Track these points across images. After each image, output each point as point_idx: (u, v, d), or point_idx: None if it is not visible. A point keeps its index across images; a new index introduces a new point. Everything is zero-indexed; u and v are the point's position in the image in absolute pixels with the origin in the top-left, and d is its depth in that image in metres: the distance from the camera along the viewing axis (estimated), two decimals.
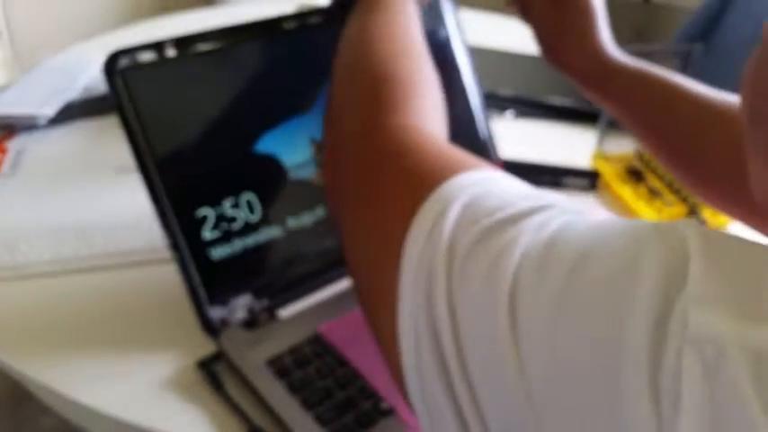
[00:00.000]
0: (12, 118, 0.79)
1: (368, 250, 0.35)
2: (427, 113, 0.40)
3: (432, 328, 0.28)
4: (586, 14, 0.56)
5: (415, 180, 0.33)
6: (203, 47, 0.53)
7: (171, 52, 0.51)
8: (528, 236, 0.27)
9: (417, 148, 0.36)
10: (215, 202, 0.53)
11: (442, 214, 0.30)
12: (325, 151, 0.43)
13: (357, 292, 0.36)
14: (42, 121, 0.79)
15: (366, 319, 0.35)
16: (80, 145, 0.77)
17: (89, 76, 0.87)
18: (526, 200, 0.30)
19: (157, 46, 0.51)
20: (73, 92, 0.83)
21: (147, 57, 0.51)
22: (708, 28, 1.33)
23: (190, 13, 1.12)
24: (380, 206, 0.34)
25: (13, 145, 0.77)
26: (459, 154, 0.35)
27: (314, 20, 0.58)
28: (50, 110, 0.79)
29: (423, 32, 0.51)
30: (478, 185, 0.31)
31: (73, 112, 0.81)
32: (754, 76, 0.30)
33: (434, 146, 0.36)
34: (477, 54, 0.74)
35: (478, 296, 0.27)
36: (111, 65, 0.49)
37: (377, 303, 0.33)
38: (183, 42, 0.52)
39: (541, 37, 0.59)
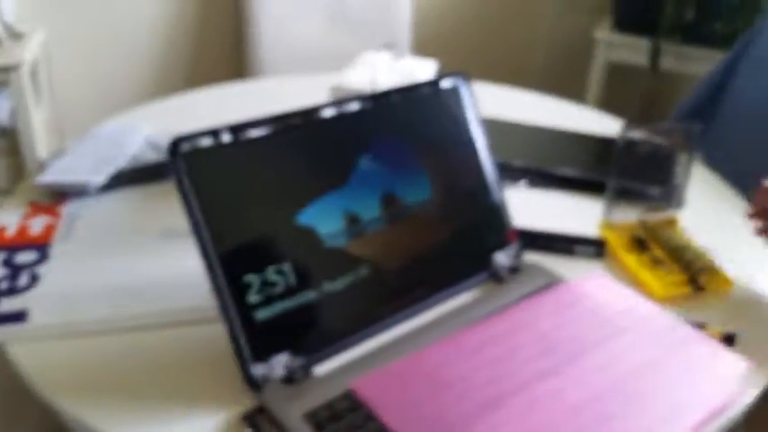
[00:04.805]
0: (65, 185, 0.87)
1: None
2: None
3: None
4: None
5: None
6: (254, 133, 0.60)
7: (226, 138, 0.59)
8: None
9: None
10: (260, 270, 0.59)
11: None
12: None
13: None
14: (93, 189, 0.86)
15: None
16: (128, 211, 0.84)
17: (136, 145, 0.94)
18: None
19: (214, 133, 0.58)
20: (121, 160, 0.90)
21: (205, 142, 0.58)
22: (715, 94, 1.39)
23: (225, 85, 1.21)
24: None
25: (67, 210, 0.84)
26: None
27: (349, 107, 0.65)
28: (101, 178, 0.86)
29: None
30: None
31: (121, 179, 0.88)
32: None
33: None
34: (492, 126, 0.80)
35: None
36: (174, 148, 0.57)
37: None
38: (237, 129, 0.59)
39: None
